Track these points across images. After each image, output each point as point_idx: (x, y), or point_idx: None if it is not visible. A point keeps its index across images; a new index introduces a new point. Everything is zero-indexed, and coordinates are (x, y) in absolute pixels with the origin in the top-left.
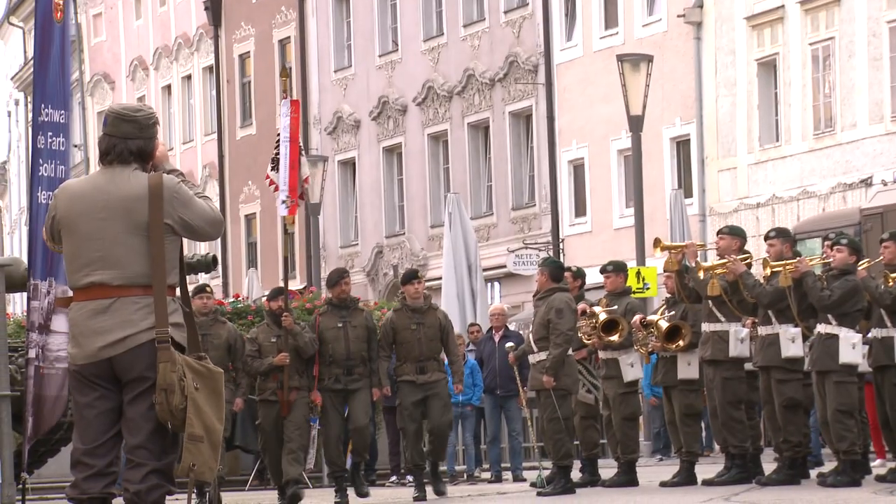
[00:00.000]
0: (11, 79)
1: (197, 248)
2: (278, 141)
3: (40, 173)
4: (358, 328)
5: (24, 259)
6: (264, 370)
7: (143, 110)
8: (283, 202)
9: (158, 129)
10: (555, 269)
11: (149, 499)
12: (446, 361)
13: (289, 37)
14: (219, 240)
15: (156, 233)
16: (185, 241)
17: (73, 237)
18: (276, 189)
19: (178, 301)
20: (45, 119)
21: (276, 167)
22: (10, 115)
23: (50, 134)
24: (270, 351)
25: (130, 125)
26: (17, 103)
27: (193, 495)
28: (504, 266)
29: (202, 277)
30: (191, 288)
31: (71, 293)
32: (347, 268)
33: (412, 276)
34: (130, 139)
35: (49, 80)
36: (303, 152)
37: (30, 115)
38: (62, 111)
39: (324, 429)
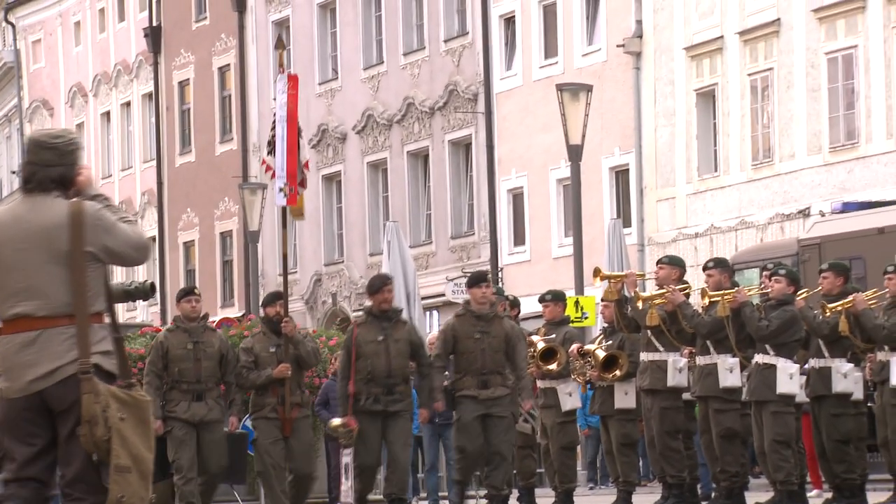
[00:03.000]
0: None
1: (135, 275)
2: (274, 122)
3: None
4: (400, 342)
5: None
6: (262, 383)
7: (62, 137)
8: (281, 190)
9: (81, 155)
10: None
11: None
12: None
13: (228, 64)
14: (157, 267)
15: (76, 261)
16: (123, 267)
17: None
18: (273, 175)
19: (107, 328)
20: None
21: (272, 150)
22: None
23: None
24: (269, 362)
25: (50, 152)
26: None
27: None
28: (443, 294)
29: (140, 304)
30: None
31: None
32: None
33: (480, 279)
34: (50, 166)
35: None
36: (301, 133)
37: None
38: None
39: (357, 456)
